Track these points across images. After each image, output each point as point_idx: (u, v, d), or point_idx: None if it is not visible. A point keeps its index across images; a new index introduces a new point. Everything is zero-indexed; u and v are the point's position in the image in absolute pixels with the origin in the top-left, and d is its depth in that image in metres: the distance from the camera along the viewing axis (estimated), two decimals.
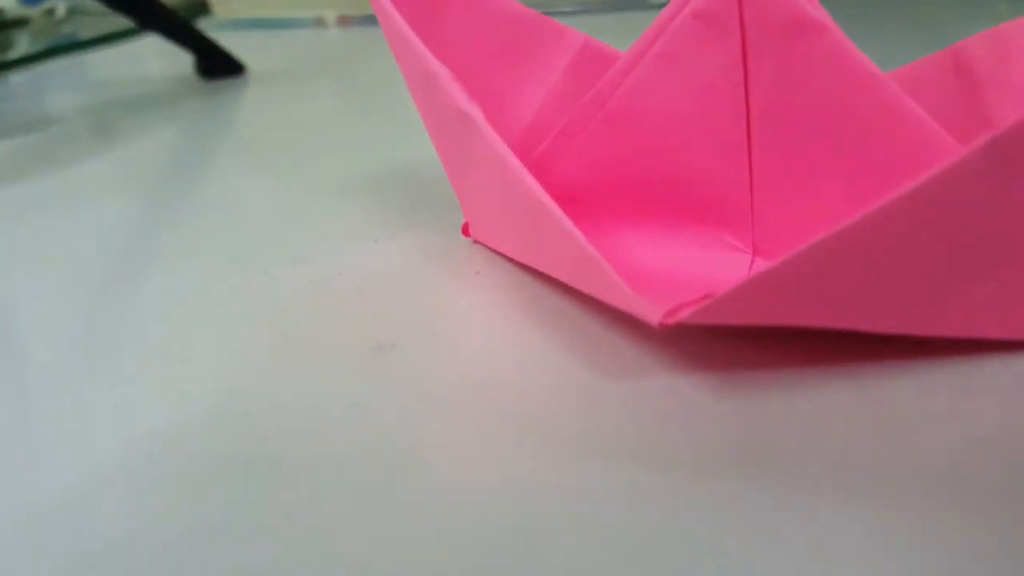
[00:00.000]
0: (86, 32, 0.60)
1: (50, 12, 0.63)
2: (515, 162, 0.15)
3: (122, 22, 0.53)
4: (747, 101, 0.17)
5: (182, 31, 0.45)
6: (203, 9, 0.70)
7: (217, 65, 0.46)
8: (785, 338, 0.16)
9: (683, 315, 0.13)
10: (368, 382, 0.16)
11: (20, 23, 0.62)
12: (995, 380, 0.15)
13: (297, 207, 0.25)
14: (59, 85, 0.48)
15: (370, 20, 0.64)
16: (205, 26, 0.62)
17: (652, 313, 0.13)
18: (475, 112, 0.16)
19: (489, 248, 0.21)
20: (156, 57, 0.55)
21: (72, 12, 0.64)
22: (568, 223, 0.14)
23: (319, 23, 0.65)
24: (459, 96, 0.16)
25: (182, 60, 0.47)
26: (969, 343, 0.15)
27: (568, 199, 0.19)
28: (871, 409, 0.14)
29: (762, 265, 0.18)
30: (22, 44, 0.57)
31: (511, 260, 0.20)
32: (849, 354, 0.15)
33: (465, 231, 0.21)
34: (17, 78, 0.50)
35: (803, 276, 0.13)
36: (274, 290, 0.20)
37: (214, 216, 0.25)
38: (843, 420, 0.14)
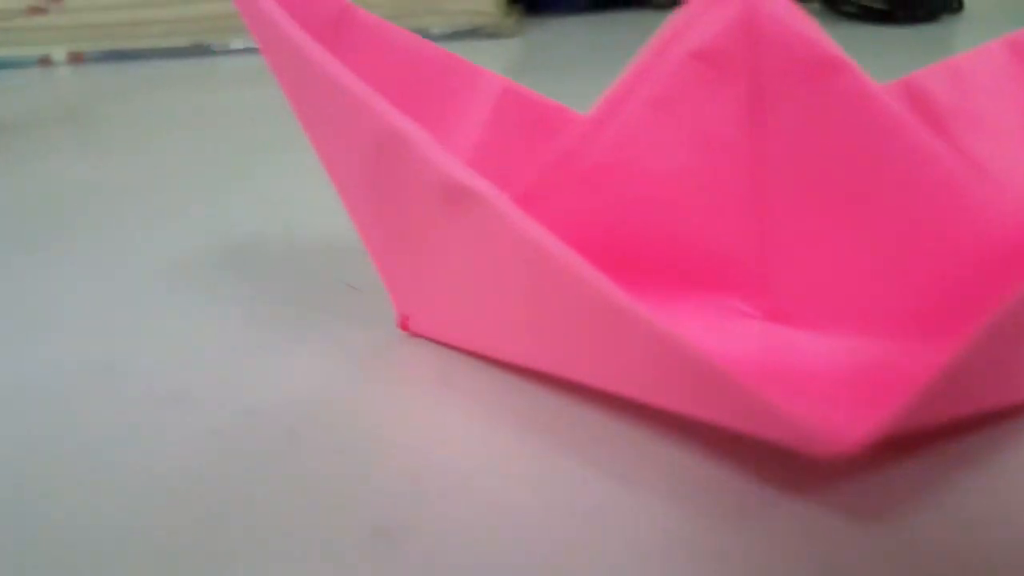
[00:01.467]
0: None
1: None
2: (562, 249, 0.12)
3: None
4: (757, 152, 0.15)
5: None
6: None
7: None
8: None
9: (878, 429, 0.10)
10: None
11: None
12: None
13: (133, 308, 0.19)
14: None
15: (111, 56, 0.55)
16: None
17: (831, 436, 0.10)
18: (483, 187, 0.12)
19: (444, 344, 0.17)
20: None
21: None
22: (663, 327, 0.11)
23: (44, 62, 0.54)
24: (454, 167, 0.12)
25: None
26: None
27: None
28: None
29: (773, 330, 0.16)
30: None
31: (484, 357, 0.16)
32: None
33: (404, 324, 0.17)
34: None
35: (992, 355, 0.10)
36: (159, 458, 0.14)
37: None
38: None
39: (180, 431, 0.14)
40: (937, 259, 0.15)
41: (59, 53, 0.55)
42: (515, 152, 0.19)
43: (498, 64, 0.48)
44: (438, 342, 0.17)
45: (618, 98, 0.15)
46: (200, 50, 0.56)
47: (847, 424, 0.10)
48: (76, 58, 0.55)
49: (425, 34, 0.61)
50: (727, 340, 0.16)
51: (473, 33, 0.56)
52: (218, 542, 0.12)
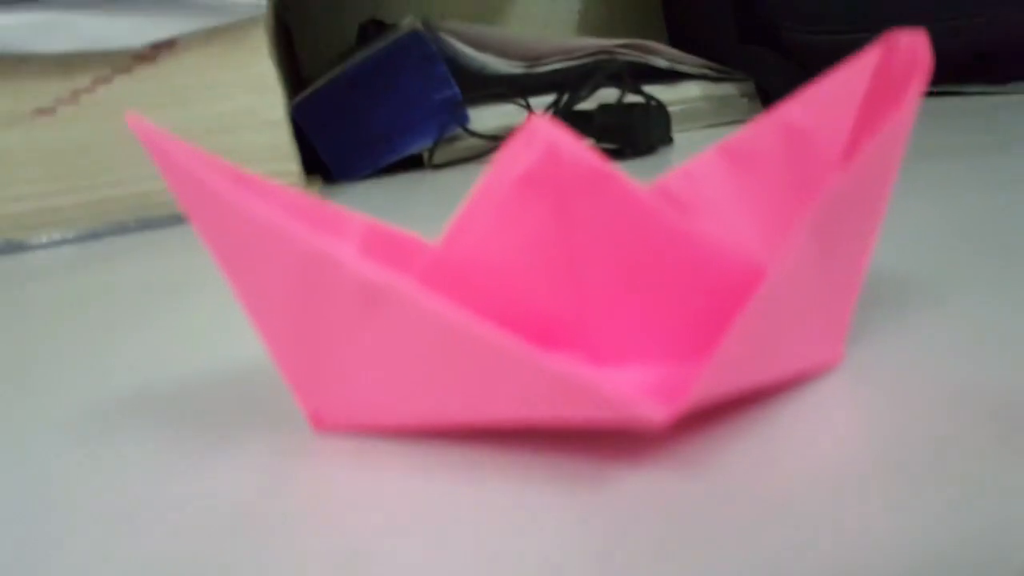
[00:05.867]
0: None
1: None
2: (458, 311, 0.16)
3: None
4: (566, 246, 0.21)
5: None
6: None
7: None
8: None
9: (684, 403, 0.16)
10: None
11: None
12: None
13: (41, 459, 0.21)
14: None
15: None
16: None
17: (653, 410, 0.15)
18: (395, 280, 0.17)
19: (357, 431, 0.20)
20: None
21: None
22: (539, 355, 0.16)
23: None
24: (368, 269, 0.17)
25: None
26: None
27: None
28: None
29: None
30: None
31: (394, 435, 0.20)
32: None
33: (318, 421, 0.21)
34: None
35: (749, 343, 0.16)
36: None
37: None
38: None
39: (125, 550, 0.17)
40: (689, 305, 0.21)
41: None
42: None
43: None
44: (351, 430, 0.20)
45: (466, 218, 0.21)
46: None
47: (656, 405, 0.16)
48: None
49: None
50: None
51: None
52: None
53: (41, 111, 0.58)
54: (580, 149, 0.20)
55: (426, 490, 0.17)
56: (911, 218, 0.34)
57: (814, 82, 0.23)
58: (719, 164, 0.24)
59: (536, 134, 0.20)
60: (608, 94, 0.67)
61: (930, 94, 0.69)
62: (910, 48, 0.21)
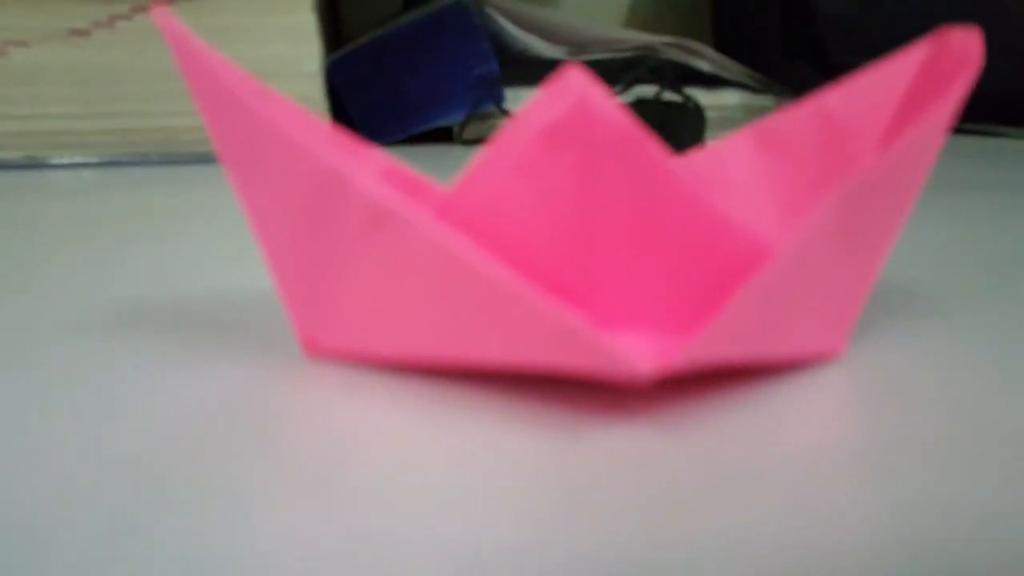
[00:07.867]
0: None
1: None
2: (463, 243, 0.16)
3: None
4: (585, 203, 0.20)
5: None
6: None
7: None
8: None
9: (673, 362, 0.15)
10: None
11: None
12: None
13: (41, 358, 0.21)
14: None
15: None
16: None
17: (640, 363, 0.15)
18: (404, 207, 0.17)
19: (349, 359, 0.20)
20: None
21: None
22: (538, 295, 0.15)
23: None
24: (379, 194, 0.17)
25: None
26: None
27: None
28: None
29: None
30: None
31: (385, 367, 0.20)
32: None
33: (311, 346, 0.20)
34: None
35: (753, 311, 0.16)
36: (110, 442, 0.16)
37: None
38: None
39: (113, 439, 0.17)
40: (699, 278, 0.21)
41: None
42: None
43: None
44: (343, 358, 0.20)
45: (485, 163, 0.20)
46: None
47: (644, 359, 0.15)
48: None
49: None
50: None
51: None
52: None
53: (76, 32, 0.58)
54: (612, 106, 0.20)
55: (406, 421, 0.17)
56: (932, 240, 0.33)
57: (857, 72, 0.23)
58: (748, 146, 0.24)
59: (569, 85, 0.20)
60: (647, 92, 0.66)
61: (976, 133, 0.68)
62: (961, 45, 0.20)
